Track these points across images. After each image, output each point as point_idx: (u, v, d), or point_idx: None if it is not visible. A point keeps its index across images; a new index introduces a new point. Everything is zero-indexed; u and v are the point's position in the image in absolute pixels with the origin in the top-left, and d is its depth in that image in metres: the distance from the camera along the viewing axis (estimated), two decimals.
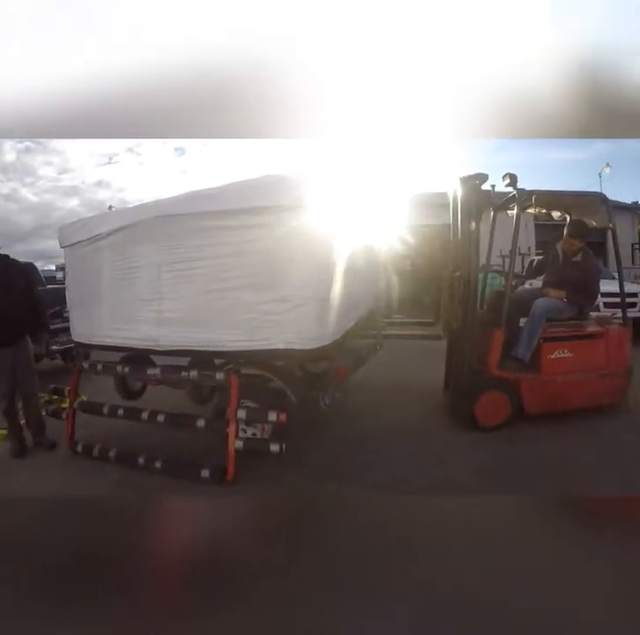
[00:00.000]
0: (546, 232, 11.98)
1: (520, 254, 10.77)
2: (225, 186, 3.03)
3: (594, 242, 8.48)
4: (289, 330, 2.82)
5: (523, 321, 3.91)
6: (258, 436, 3.16)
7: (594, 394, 3.88)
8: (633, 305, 7.13)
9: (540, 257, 4.78)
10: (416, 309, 4.57)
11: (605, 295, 6.03)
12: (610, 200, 4.05)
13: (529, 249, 11.78)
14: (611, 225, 4.04)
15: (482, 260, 4.15)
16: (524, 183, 3.79)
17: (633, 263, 12.56)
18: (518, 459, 3.22)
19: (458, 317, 3.78)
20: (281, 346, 2.85)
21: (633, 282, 9.34)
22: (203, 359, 3.29)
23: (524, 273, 5.74)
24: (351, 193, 3.21)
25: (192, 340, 3.10)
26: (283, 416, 2.81)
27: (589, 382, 3.85)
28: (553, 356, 3.80)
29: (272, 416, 2.84)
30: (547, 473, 3.02)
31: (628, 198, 16.35)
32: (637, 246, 13.30)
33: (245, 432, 3.09)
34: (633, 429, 3.67)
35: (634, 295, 7.23)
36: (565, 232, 4.10)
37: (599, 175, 15.39)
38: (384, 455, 3.35)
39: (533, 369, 3.81)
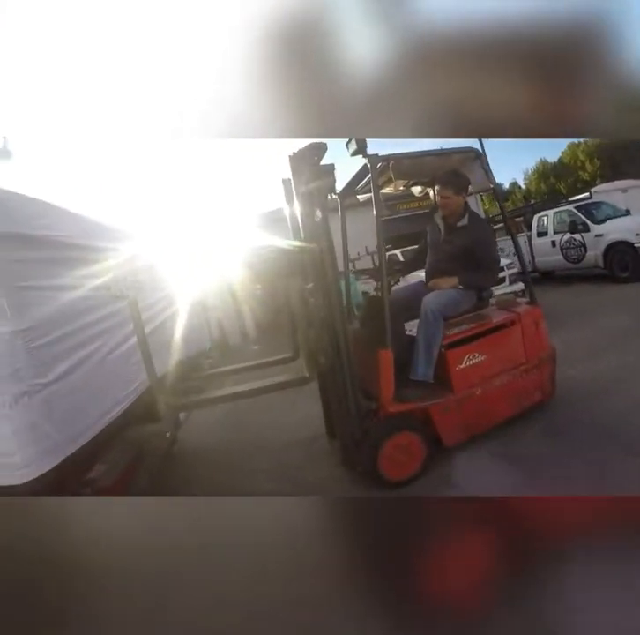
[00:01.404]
0: (393, 227, 11.29)
1: (369, 253, 10.10)
2: None
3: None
4: None
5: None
6: None
7: (522, 395, 2.99)
8: (502, 280, 6.58)
9: (416, 247, 3.74)
10: (276, 339, 3.21)
11: None
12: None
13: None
14: (492, 185, 3.13)
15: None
16: None
17: None
18: None
19: (325, 345, 2.48)
20: None
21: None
22: None
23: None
24: None
25: None
26: None
27: (512, 383, 2.93)
28: (462, 365, 2.78)
29: None
30: None
31: None
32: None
33: None
34: (550, 433, 2.85)
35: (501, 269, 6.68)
36: (436, 191, 3.01)
37: None
38: None
39: (442, 390, 2.76)
